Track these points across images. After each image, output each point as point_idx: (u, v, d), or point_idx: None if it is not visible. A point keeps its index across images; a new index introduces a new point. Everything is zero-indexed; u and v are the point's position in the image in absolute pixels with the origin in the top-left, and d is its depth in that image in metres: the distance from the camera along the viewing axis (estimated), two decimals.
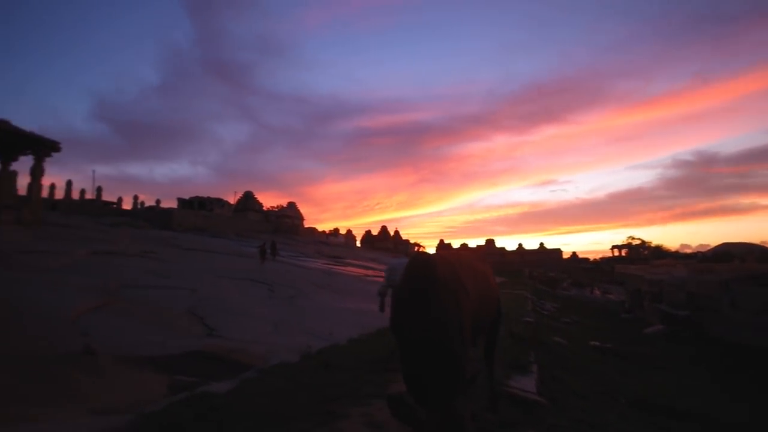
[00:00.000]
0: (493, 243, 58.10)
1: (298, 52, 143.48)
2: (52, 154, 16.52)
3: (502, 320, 3.49)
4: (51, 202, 32.02)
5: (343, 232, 65.04)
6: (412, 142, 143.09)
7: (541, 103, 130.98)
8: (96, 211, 34.52)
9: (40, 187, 16.64)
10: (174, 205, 42.10)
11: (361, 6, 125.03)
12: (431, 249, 71.09)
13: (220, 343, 6.54)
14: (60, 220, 21.62)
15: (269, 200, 73.60)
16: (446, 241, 69.77)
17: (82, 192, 36.76)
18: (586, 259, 57.20)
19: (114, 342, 6.00)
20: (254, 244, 33.05)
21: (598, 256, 61.82)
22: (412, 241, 66.37)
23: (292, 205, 51.26)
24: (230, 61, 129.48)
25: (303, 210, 54.78)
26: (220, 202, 42.92)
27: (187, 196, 43.11)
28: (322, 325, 8.99)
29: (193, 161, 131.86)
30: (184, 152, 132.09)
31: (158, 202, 40.80)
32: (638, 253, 52.38)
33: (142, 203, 40.55)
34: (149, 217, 35.11)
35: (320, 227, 58.38)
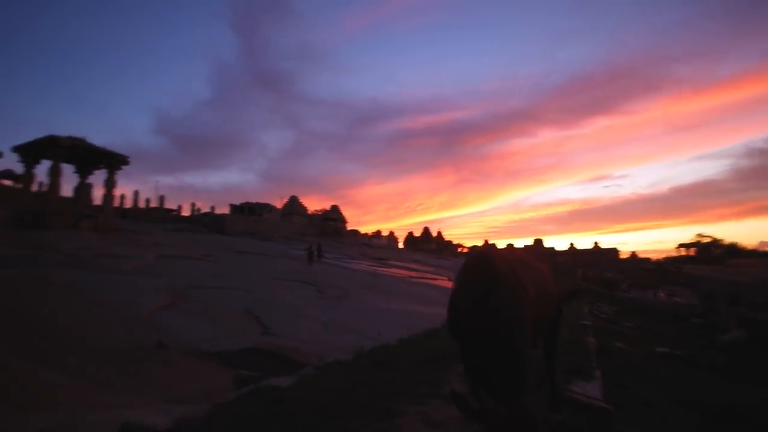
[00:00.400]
0: (542, 243, 55.60)
1: (338, 57, 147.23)
2: (122, 167, 18.16)
3: (562, 321, 3.35)
4: (121, 211, 35.22)
5: (385, 234, 65.45)
6: (453, 142, 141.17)
7: (590, 94, 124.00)
8: (159, 217, 37.52)
9: (112, 197, 18.34)
10: (226, 210, 44.77)
11: (400, 6, 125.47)
12: None
13: (274, 341, 6.84)
14: (129, 226, 23.73)
15: (313, 204, 75.96)
16: (491, 242, 67.94)
17: (147, 201, 40.06)
18: (647, 259, 53.10)
19: (182, 337, 6.49)
20: (300, 247, 34.19)
21: (661, 256, 57.26)
22: (455, 242, 65.31)
23: (335, 208, 52.44)
24: (274, 71, 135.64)
25: (345, 213, 55.85)
26: (268, 207, 44.91)
27: (238, 203, 45.62)
28: (370, 326, 9.11)
29: (242, 168, 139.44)
30: (234, 160, 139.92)
31: (212, 208, 43.56)
32: (709, 252, 47.83)
33: (199, 210, 43.48)
34: (205, 222, 37.56)
35: (362, 229, 59.25)
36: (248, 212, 42.43)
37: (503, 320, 1.84)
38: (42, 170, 16.90)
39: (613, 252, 54.56)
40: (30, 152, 16.09)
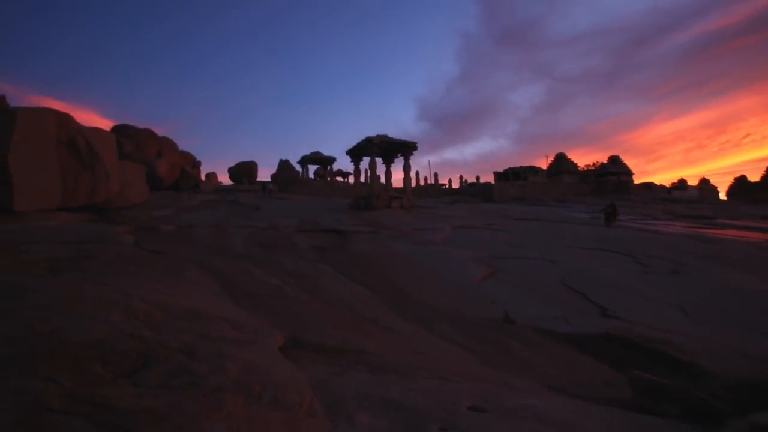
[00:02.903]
0: None
1: None
2: (413, 152, 21.11)
3: None
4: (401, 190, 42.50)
5: (692, 183, 49.47)
6: None
7: None
8: (435, 192, 42.81)
9: (410, 178, 21.70)
10: (490, 179, 45.86)
11: None
12: None
13: (628, 327, 5.61)
14: (420, 202, 28.03)
15: (583, 159, 66.73)
16: None
17: (425, 178, 46.48)
18: None
19: (516, 311, 6.34)
20: (578, 209, 30.40)
21: None
22: None
23: (614, 160, 43.72)
24: (516, 24, 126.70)
25: (628, 162, 45.58)
26: (533, 170, 42.64)
27: (501, 169, 45.80)
28: (758, 318, 6.30)
29: (493, 135, 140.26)
30: (485, 129, 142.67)
31: (478, 178, 45.76)
32: None
33: (466, 181, 46.71)
34: (473, 192, 39.80)
35: (656, 180, 46.56)
36: (513, 177, 41.82)
37: None
38: (362, 165, 22.10)
39: None
40: (355, 153, 21.22)
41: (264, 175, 62.05)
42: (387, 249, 10.67)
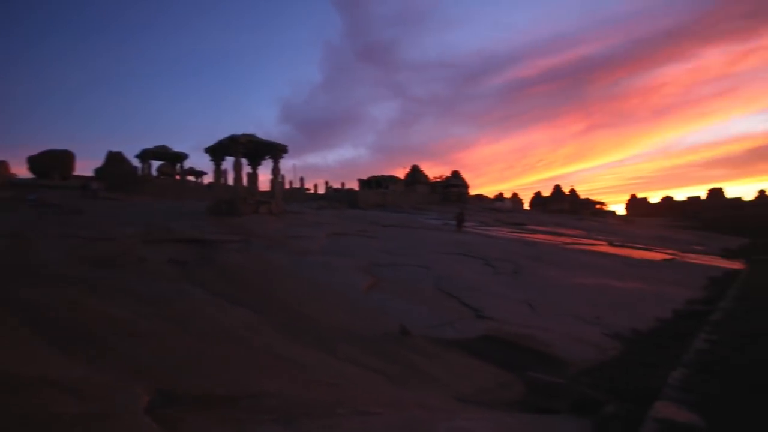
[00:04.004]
0: (722, 194, 44.81)
1: (440, 12, 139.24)
2: (283, 155, 20.09)
3: None
4: (270, 194, 40.34)
5: (507, 196, 61.47)
6: (579, 84, 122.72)
7: None
8: (301, 197, 41.84)
9: (280, 183, 20.54)
10: (355, 185, 47.54)
11: None
12: (618, 207, 60.09)
13: (499, 327, 6.43)
14: (287, 207, 26.84)
15: (432, 171, 75.48)
16: (639, 196, 58.13)
17: (290, 182, 44.94)
18: None
19: (405, 321, 6.53)
20: (430, 216, 34.08)
21: None
22: (593, 200, 57.64)
23: (456, 174, 51.02)
24: (376, 43, 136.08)
25: (464, 177, 53.86)
26: (393, 179, 46.04)
27: (364, 177, 47.91)
28: (577, 308, 8.12)
29: (354, 144, 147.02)
30: (347, 137, 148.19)
31: (343, 184, 46.82)
32: None
33: (331, 186, 47.17)
34: (339, 198, 40.49)
35: (475, 192, 56.15)
36: (375, 185, 44.26)
37: None
38: (225, 165, 19.86)
39: None
40: (216, 151, 18.91)
41: (85, 169, 49.54)
42: (264, 261, 9.73)
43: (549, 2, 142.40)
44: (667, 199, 54.99)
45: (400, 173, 50.06)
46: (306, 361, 4.60)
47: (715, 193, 46.55)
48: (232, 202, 17.56)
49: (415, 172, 48.65)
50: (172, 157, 31.54)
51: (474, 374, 4.81)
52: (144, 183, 28.87)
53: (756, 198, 45.71)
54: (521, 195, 62.31)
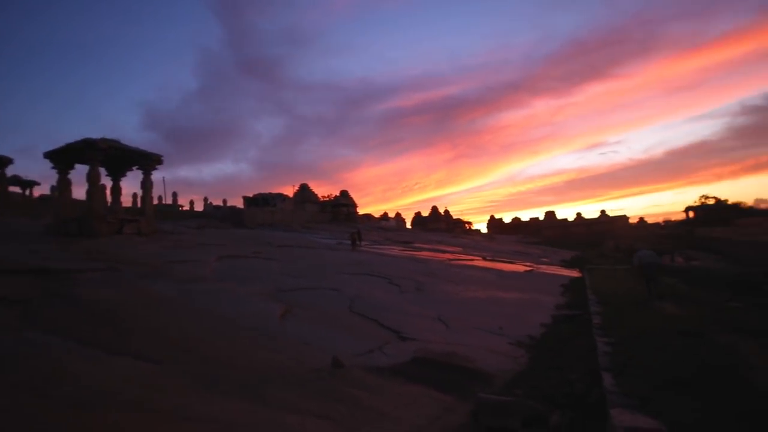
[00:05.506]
0: (554, 215, 55.73)
1: (327, 39, 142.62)
2: (157, 167, 17.34)
3: None
4: (138, 211, 34.23)
5: (392, 215, 65.12)
6: (448, 118, 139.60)
7: (584, 60, 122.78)
8: (175, 215, 36.53)
9: (151, 199, 17.59)
10: (237, 202, 43.89)
11: None
12: (481, 226, 69.45)
13: (424, 347, 6.52)
14: (159, 226, 23.02)
15: (321, 190, 74.98)
16: (496, 216, 67.99)
17: (160, 198, 38.95)
18: (658, 224, 53.65)
19: (332, 351, 6.11)
20: (323, 236, 33.62)
21: (659, 219, 58.11)
22: (464, 220, 65.26)
23: (345, 194, 51.71)
24: (261, 58, 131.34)
25: (353, 196, 55.16)
26: (281, 197, 44.09)
27: (249, 194, 44.66)
28: (481, 321, 8.84)
29: (235, 159, 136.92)
30: (227, 151, 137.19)
31: (225, 201, 42.70)
32: (716, 214, 48.41)
33: (211, 203, 42.54)
34: (222, 216, 36.71)
35: (363, 212, 58.27)
36: (263, 203, 41.61)
37: None
38: (74, 175, 16.04)
39: (623, 219, 54.98)
40: (64, 158, 15.20)
41: None
42: (144, 292, 7.99)
43: (423, 45, 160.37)
44: (516, 219, 66.09)
45: (289, 191, 48.43)
46: (232, 418, 3.84)
47: (549, 215, 58.26)
48: (85, 220, 14.20)
49: (305, 191, 47.69)
50: None
51: (418, 402, 4.72)
52: None
53: (576, 219, 58.50)
54: (403, 215, 66.72)
